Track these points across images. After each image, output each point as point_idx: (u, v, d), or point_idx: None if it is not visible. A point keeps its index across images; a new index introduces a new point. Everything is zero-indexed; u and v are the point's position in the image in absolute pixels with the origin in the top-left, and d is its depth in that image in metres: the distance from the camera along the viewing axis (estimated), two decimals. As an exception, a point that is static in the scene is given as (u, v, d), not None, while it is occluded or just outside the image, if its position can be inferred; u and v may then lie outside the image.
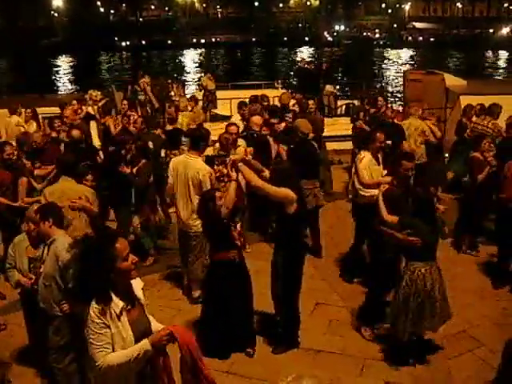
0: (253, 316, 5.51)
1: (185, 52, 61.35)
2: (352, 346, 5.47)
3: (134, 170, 7.23)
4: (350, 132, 10.57)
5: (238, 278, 5.23)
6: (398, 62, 50.84)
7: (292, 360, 5.28)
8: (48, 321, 4.53)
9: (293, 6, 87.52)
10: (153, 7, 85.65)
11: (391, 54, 58.35)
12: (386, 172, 6.38)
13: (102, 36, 60.35)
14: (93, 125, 10.96)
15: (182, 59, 55.92)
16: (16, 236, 5.07)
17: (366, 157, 6.46)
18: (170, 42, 65.01)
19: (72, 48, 56.83)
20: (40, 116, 11.37)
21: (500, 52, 57.57)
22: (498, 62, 51.98)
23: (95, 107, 11.45)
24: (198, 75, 38.19)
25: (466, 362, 5.22)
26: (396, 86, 31.57)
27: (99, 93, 12.80)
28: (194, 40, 66.93)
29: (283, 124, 8.81)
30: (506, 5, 75.52)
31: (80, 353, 4.47)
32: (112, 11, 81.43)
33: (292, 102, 11.38)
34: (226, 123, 8.56)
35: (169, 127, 9.53)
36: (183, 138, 8.26)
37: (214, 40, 67.33)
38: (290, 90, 13.63)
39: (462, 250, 7.62)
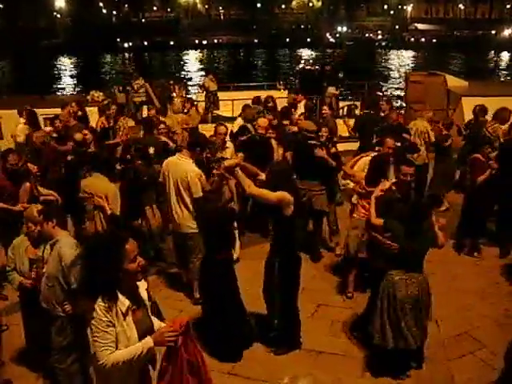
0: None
1: (187, 53, 61.36)
2: (354, 348, 5.48)
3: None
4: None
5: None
6: (399, 63, 50.82)
7: (293, 361, 5.28)
8: (50, 321, 4.53)
9: (295, 7, 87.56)
10: (155, 8, 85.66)
11: (393, 55, 58.34)
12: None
13: (103, 37, 60.29)
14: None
15: (184, 60, 55.91)
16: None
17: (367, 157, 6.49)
18: (172, 43, 65.01)
19: (74, 49, 56.87)
20: (41, 117, 11.37)
21: (502, 53, 57.54)
22: (500, 64, 51.93)
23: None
24: (200, 76, 38.26)
25: (467, 363, 5.22)
26: (398, 88, 31.55)
27: (101, 93, 12.85)
28: (196, 41, 66.91)
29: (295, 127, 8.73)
30: (508, 6, 75.47)
31: (82, 353, 4.50)
32: (114, 12, 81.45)
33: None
34: (228, 124, 8.57)
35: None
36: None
37: (216, 41, 67.34)
38: (291, 93, 13.57)
39: (464, 251, 7.62)
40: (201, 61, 55.85)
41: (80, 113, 10.21)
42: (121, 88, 15.68)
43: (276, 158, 7.95)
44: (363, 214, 6.08)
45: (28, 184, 6.54)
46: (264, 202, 5.05)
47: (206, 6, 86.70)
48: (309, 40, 66.68)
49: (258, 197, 5.05)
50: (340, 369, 5.16)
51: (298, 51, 60.11)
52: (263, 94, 11.58)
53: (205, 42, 66.51)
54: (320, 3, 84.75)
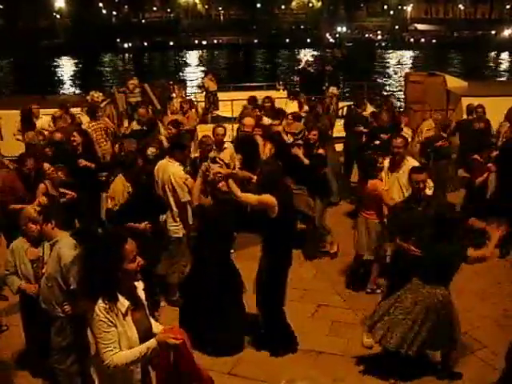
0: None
1: (187, 53, 61.39)
2: (354, 348, 5.46)
3: None
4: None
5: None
6: (399, 63, 50.82)
7: (293, 361, 5.28)
8: (50, 322, 4.53)
9: (295, 7, 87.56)
10: (155, 8, 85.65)
11: (393, 55, 58.33)
12: None
13: (103, 37, 60.35)
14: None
15: (184, 61, 55.95)
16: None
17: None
18: (172, 43, 65.03)
19: (74, 49, 56.87)
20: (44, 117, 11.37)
21: (502, 54, 57.54)
22: (500, 64, 51.93)
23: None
24: (200, 77, 38.27)
25: (468, 363, 5.21)
26: (397, 88, 31.56)
27: (101, 94, 12.84)
28: (196, 41, 66.95)
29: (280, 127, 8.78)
30: (508, 6, 75.48)
31: (82, 354, 4.50)
32: (114, 12, 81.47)
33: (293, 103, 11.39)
34: (227, 125, 8.59)
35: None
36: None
37: (215, 41, 67.36)
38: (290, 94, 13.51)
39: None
40: (201, 61, 55.88)
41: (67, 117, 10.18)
42: (121, 89, 15.64)
43: (263, 154, 7.87)
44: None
45: (43, 185, 6.52)
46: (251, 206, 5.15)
47: (206, 7, 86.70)
48: (309, 40, 66.70)
49: (246, 202, 5.12)
50: (340, 369, 5.16)
51: (297, 51, 60.10)
52: (262, 95, 11.60)
53: (205, 43, 66.53)
54: (320, 3, 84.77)
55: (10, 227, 6.14)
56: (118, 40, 63.38)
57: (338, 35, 70.56)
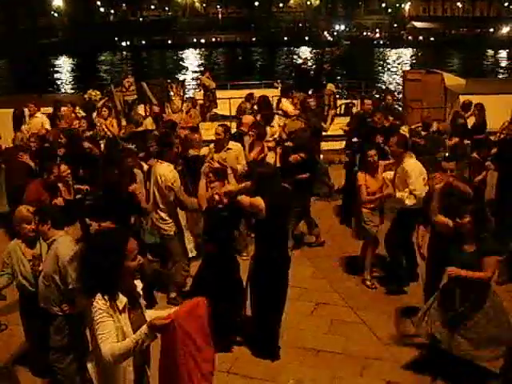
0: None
1: (185, 52, 61.35)
2: (353, 346, 5.47)
3: None
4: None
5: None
6: (398, 61, 50.83)
7: (292, 360, 5.28)
8: (49, 320, 4.53)
9: (293, 5, 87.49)
10: (153, 7, 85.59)
11: (391, 53, 58.34)
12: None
13: (102, 36, 60.33)
14: None
15: (183, 59, 55.90)
16: None
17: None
18: (170, 41, 65.03)
19: (72, 48, 56.81)
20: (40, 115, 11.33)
21: (500, 51, 57.57)
22: (499, 62, 51.96)
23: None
24: (199, 75, 38.21)
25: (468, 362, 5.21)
26: (396, 86, 31.55)
27: (98, 93, 12.80)
28: (194, 40, 66.92)
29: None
30: (506, 4, 75.53)
31: (81, 353, 4.49)
32: (112, 11, 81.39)
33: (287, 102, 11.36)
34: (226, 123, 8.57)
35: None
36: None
37: (214, 40, 67.35)
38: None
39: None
40: (199, 60, 55.82)
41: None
42: (118, 88, 15.59)
43: (249, 156, 7.59)
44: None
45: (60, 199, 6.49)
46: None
47: (204, 5, 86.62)
48: (307, 38, 66.70)
49: (240, 204, 5.19)
50: (339, 367, 5.16)
51: (295, 50, 60.09)
52: (260, 93, 11.58)
53: (203, 41, 66.50)
54: (318, 1, 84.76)
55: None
56: (116, 38, 63.32)
57: (336, 33, 70.58)
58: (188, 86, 26.40)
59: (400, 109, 14.24)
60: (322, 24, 74.29)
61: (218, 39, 67.77)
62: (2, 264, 4.88)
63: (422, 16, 79.51)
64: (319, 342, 5.56)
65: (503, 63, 51.10)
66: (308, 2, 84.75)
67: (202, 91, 16.32)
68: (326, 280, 6.90)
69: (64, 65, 52.46)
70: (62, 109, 10.34)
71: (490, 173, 7.92)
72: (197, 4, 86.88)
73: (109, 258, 3.03)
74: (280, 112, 10.70)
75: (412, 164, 6.18)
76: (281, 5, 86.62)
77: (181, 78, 25.39)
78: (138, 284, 3.36)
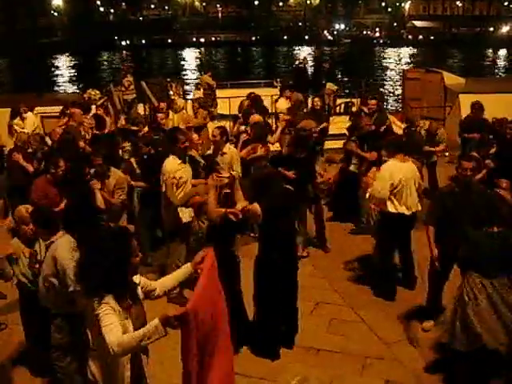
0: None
1: (185, 51, 61.32)
2: (353, 345, 5.47)
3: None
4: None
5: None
6: (397, 60, 50.82)
7: (292, 359, 5.28)
8: (49, 319, 4.53)
9: (293, 4, 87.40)
10: (153, 6, 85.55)
11: (391, 52, 58.31)
12: None
13: (101, 35, 60.30)
14: None
15: (182, 58, 55.89)
16: None
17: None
18: (169, 40, 65.02)
19: (71, 47, 56.79)
20: (38, 115, 11.35)
21: (500, 51, 57.57)
22: (498, 61, 51.96)
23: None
24: (198, 74, 38.17)
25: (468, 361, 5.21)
26: (395, 85, 31.55)
27: (98, 92, 12.81)
28: (194, 39, 66.95)
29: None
30: (506, 3, 75.51)
31: (81, 351, 4.49)
32: (112, 10, 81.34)
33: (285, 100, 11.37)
34: (224, 122, 8.56)
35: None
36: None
37: (213, 39, 67.33)
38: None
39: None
40: (199, 59, 55.81)
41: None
42: (117, 87, 15.59)
43: (242, 154, 7.61)
44: None
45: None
46: None
47: (204, 4, 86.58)
48: (307, 37, 66.69)
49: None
50: (339, 366, 5.16)
51: (295, 49, 60.06)
52: (260, 92, 11.60)
53: (202, 40, 66.51)
54: (318, 1, 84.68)
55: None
56: (116, 37, 63.31)
57: (336, 32, 70.56)
58: (187, 86, 26.43)
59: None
60: (321, 23, 74.29)
61: (218, 38, 67.73)
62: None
63: (421, 15, 79.50)
64: (319, 341, 5.56)
65: (503, 62, 51.10)
66: (308, 1, 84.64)
67: (202, 90, 16.25)
68: (326, 279, 6.90)
69: (64, 64, 52.42)
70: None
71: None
72: (196, 3, 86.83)
73: (117, 256, 3.06)
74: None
75: (386, 165, 6.17)
76: (280, 4, 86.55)
77: (180, 77, 25.35)
78: (138, 279, 3.39)
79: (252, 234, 7.43)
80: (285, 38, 67.07)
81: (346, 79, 23.79)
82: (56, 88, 35.73)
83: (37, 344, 4.94)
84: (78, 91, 26.57)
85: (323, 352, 5.40)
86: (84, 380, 4.46)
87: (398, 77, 33.95)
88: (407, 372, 5.05)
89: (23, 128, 10.19)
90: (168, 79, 16.74)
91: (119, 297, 3.08)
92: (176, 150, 6.26)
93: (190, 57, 57.14)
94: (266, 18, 76.51)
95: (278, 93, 13.88)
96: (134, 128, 9.27)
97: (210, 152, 7.44)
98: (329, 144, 11.26)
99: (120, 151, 8.24)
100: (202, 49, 63.13)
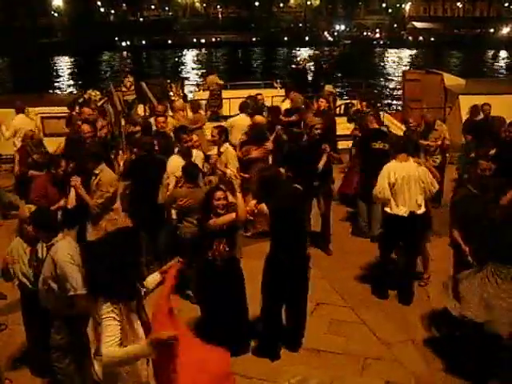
0: (245, 318, 5.47)
1: (185, 52, 61.34)
2: (353, 346, 5.48)
3: None
4: (348, 132, 10.52)
5: (227, 278, 5.19)
6: (398, 61, 50.84)
7: (293, 360, 5.28)
8: (49, 320, 4.53)
9: (293, 5, 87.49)
10: (153, 7, 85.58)
11: (391, 53, 58.35)
12: None
13: (102, 35, 60.32)
14: None
15: (183, 59, 55.91)
16: None
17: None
18: (170, 41, 65.02)
19: (72, 48, 56.80)
20: (38, 115, 11.34)
21: (500, 52, 57.59)
22: (498, 62, 51.97)
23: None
24: (198, 75, 38.21)
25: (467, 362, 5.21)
26: (396, 86, 31.58)
27: (98, 93, 12.80)
28: (195, 40, 66.90)
29: None
30: (506, 4, 75.55)
31: (81, 353, 4.49)
32: (112, 11, 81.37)
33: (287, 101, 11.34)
34: (224, 123, 8.54)
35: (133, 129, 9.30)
36: None
37: (214, 40, 67.32)
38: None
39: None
40: (199, 59, 55.79)
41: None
42: (118, 88, 15.59)
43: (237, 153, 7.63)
44: None
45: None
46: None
47: (204, 5, 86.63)
48: (307, 39, 66.71)
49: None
50: (339, 367, 5.16)
51: (296, 50, 60.06)
52: (262, 93, 11.61)
53: (203, 41, 66.48)
54: (318, 2, 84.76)
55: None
56: (117, 38, 63.32)
57: (336, 33, 70.60)
58: (188, 86, 26.42)
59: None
60: (322, 24, 74.32)
61: (218, 39, 67.73)
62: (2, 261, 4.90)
63: (422, 16, 79.55)
64: (319, 341, 5.56)
65: (503, 63, 51.10)
66: (308, 2, 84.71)
67: (208, 91, 16.12)
68: (326, 280, 6.89)
69: (64, 65, 52.43)
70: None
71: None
72: (197, 4, 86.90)
73: (131, 256, 3.09)
74: None
75: (386, 166, 6.18)
76: (281, 5, 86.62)
77: (180, 77, 25.34)
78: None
79: (246, 234, 7.48)
80: (285, 39, 67.03)
81: (346, 80, 23.82)
82: (56, 88, 35.72)
83: (37, 344, 4.94)
84: (75, 92, 26.58)
85: (323, 353, 5.40)
86: (84, 381, 4.49)
87: (398, 78, 33.96)
88: (407, 373, 5.06)
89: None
90: (168, 80, 16.72)
91: (127, 299, 3.08)
92: (182, 147, 6.41)
93: (191, 57, 57.15)
94: (266, 19, 76.53)
95: (278, 93, 13.89)
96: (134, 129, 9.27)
97: (210, 153, 7.46)
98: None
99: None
100: (203, 50, 63.14)
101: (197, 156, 6.87)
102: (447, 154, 9.93)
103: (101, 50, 58.46)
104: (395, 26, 74.32)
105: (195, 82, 32.47)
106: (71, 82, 40.05)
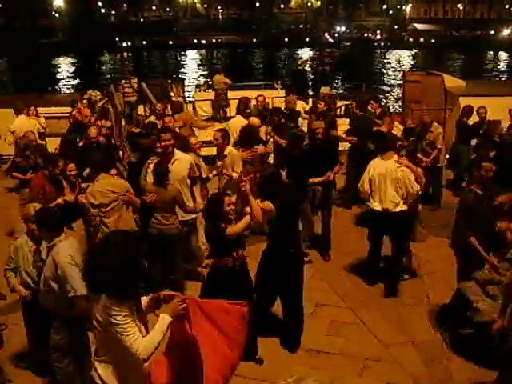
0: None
1: (186, 52, 61.35)
2: (352, 347, 5.48)
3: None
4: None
5: (238, 283, 5.09)
6: (398, 63, 50.83)
7: (292, 361, 5.29)
8: (50, 320, 4.53)
9: (294, 7, 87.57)
10: (154, 7, 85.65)
11: (392, 55, 58.34)
12: None
13: (102, 36, 60.36)
14: None
15: (183, 60, 55.92)
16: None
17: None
18: (171, 42, 65.08)
19: (72, 48, 56.84)
20: (42, 115, 11.34)
21: (501, 53, 57.60)
22: (499, 64, 51.97)
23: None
24: (197, 76, 38.23)
25: (467, 362, 5.20)
26: (396, 88, 31.56)
27: (99, 93, 12.84)
28: (195, 40, 66.97)
29: None
30: (507, 6, 75.56)
31: (81, 353, 4.50)
32: (113, 11, 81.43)
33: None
34: (224, 124, 8.53)
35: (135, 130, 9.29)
36: None
37: (214, 41, 67.37)
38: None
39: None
40: (200, 60, 55.82)
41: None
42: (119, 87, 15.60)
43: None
44: None
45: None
46: None
47: (205, 6, 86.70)
48: (307, 40, 66.73)
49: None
50: (339, 368, 5.17)
51: (296, 51, 60.08)
52: (262, 94, 11.61)
53: (204, 42, 66.53)
54: (319, 3, 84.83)
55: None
56: (117, 39, 63.37)
57: (336, 35, 70.63)
58: (190, 87, 26.44)
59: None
60: (322, 25, 74.37)
61: (219, 40, 67.78)
62: (8, 259, 4.93)
63: (422, 18, 79.53)
64: (319, 342, 5.56)
65: (503, 65, 51.11)
66: (309, 4, 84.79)
67: (213, 91, 16.04)
68: (326, 281, 6.90)
69: (64, 65, 52.45)
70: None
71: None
72: (198, 5, 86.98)
73: (135, 257, 3.08)
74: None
75: (372, 161, 6.42)
76: (282, 6, 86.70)
77: (181, 78, 25.31)
78: None
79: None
80: (286, 40, 67.08)
81: (346, 81, 23.80)
82: (56, 89, 35.70)
83: (38, 344, 4.95)
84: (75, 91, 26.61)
85: (323, 354, 5.40)
86: (84, 381, 4.49)
87: (398, 79, 33.97)
88: (406, 374, 5.06)
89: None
90: (169, 80, 16.74)
91: (130, 299, 3.09)
92: (185, 147, 6.54)
93: (191, 58, 57.17)
94: (267, 20, 76.60)
95: (279, 94, 13.91)
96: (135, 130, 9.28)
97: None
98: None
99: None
100: (203, 50, 63.15)
101: (182, 159, 6.59)
102: (447, 156, 9.96)
103: (101, 51, 58.54)
104: (396, 27, 74.35)
105: (195, 83, 32.46)
106: (71, 83, 40.04)
